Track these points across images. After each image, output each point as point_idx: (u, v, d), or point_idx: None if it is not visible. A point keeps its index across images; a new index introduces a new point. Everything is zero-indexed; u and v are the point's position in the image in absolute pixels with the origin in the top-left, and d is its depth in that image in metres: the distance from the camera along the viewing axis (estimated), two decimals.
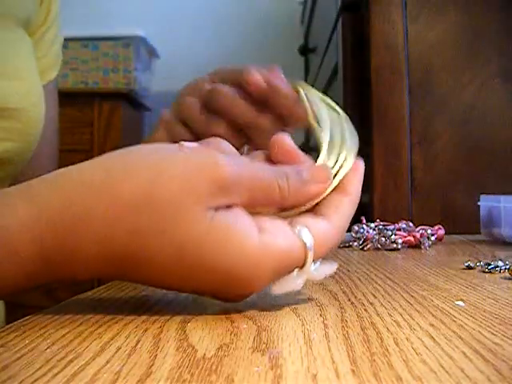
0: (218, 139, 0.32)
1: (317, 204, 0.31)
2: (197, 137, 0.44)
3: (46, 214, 0.27)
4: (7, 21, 0.50)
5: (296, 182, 0.30)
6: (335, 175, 0.32)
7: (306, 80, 2.14)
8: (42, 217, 0.27)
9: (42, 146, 0.60)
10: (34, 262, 0.28)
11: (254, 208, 0.29)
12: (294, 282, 0.30)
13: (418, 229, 0.64)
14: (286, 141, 0.32)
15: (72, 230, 0.27)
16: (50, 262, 0.28)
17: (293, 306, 0.31)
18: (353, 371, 0.20)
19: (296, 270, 0.29)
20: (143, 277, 0.29)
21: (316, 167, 0.32)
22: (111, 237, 0.27)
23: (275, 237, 0.28)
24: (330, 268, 0.31)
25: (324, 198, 0.31)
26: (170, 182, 0.27)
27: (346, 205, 0.31)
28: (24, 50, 0.52)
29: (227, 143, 0.32)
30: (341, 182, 0.32)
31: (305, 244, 0.29)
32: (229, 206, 0.28)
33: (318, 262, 0.30)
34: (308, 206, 0.31)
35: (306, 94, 0.39)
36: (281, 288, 0.30)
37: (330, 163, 0.33)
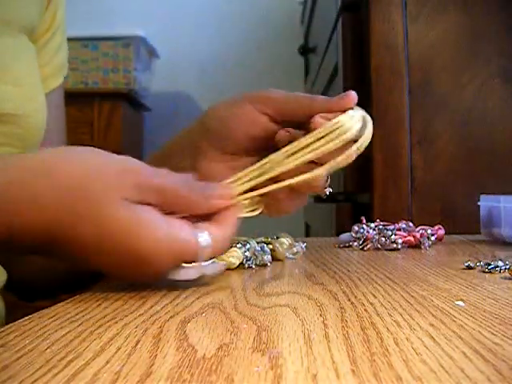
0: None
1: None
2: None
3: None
4: (10, 28, 0.49)
5: (200, 195, 0.37)
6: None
7: (305, 80, 2.14)
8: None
9: None
10: None
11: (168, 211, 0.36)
12: (188, 272, 0.37)
13: (417, 229, 0.64)
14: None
15: (14, 203, 0.33)
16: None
17: (293, 306, 0.31)
18: (353, 371, 0.20)
19: (192, 264, 0.36)
20: (68, 252, 0.35)
21: (221, 187, 0.40)
22: (48, 208, 0.33)
23: (179, 231, 0.35)
24: (220, 266, 0.40)
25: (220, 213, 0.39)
26: (100, 178, 0.34)
27: (233, 219, 0.39)
28: (26, 57, 0.52)
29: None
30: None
31: (199, 242, 0.36)
32: (146, 205, 0.35)
33: (211, 261, 0.38)
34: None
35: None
36: (177, 275, 0.36)
37: None
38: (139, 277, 0.37)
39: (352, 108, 0.41)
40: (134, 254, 0.34)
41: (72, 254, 0.35)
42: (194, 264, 0.36)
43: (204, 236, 0.36)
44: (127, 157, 0.37)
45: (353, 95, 0.42)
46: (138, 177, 0.35)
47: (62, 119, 0.64)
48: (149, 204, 0.35)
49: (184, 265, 0.36)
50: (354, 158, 0.40)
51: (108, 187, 0.34)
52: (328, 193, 0.44)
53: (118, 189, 0.34)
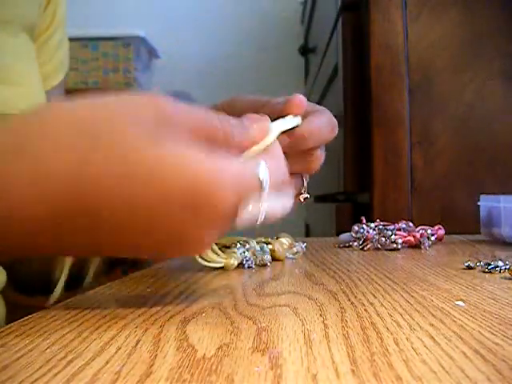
0: None
1: None
2: None
3: None
4: (11, 27, 0.49)
5: (237, 125, 0.31)
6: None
7: (305, 80, 2.14)
8: None
9: None
10: None
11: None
12: (254, 213, 0.30)
13: (417, 229, 0.64)
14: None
15: (12, 175, 0.26)
16: None
17: (293, 306, 0.31)
18: (353, 371, 0.20)
19: (252, 202, 0.30)
20: (89, 233, 0.28)
21: (256, 116, 0.33)
22: (56, 178, 0.26)
23: (228, 158, 0.28)
24: (288, 199, 0.33)
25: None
26: (113, 114, 0.27)
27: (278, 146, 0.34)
28: (26, 57, 0.52)
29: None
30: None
31: (258, 172, 0.29)
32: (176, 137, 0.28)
33: (277, 197, 0.32)
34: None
35: None
36: (243, 221, 0.30)
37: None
38: (204, 229, 0.28)
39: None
40: (185, 197, 0.26)
41: (85, 238, 0.28)
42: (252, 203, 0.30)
43: (262, 165, 0.30)
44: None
45: (297, 101, 0.40)
46: (158, 106, 0.28)
47: None
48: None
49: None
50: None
51: (125, 124, 0.27)
52: (303, 199, 0.43)
53: (139, 124, 0.27)
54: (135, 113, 0.27)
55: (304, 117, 0.41)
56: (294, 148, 0.39)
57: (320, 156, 0.44)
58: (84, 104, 0.28)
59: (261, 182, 0.29)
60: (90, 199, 0.26)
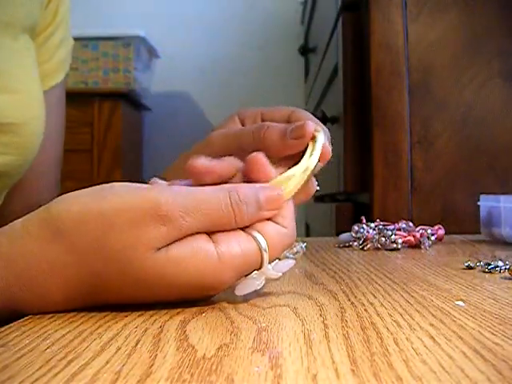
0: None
1: None
2: None
3: (10, 267, 0.29)
4: (11, 29, 0.48)
5: (253, 210, 0.32)
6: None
7: (305, 80, 2.14)
8: (7, 269, 0.29)
9: (47, 152, 0.59)
10: (1, 309, 0.30)
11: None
12: (254, 282, 0.32)
13: (417, 229, 0.64)
14: (260, 159, 0.34)
15: (36, 278, 0.30)
16: (16, 306, 0.30)
17: (293, 306, 0.31)
18: (353, 371, 0.20)
19: (255, 271, 0.32)
20: (108, 301, 0.31)
21: (271, 191, 0.33)
22: (74, 279, 0.30)
23: (231, 246, 0.30)
24: (287, 265, 0.34)
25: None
26: (119, 232, 0.29)
27: (289, 207, 0.34)
28: (25, 61, 0.51)
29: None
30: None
31: (260, 247, 0.31)
32: (181, 238, 0.30)
33: (275, 262, 0.33)
34: None
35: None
36: (243, 290, 0.32)
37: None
38: (198, 298, 0.33)
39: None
40: (190, 290, 0.31)
41: (105, 302, 0.31)
42: (257, 271, 0.32)
43: (260, 237, 0.31)
44: (140, 188, 0.31)
45: (308, 132, 0.36)
46: (162, 216, 0.29)
47: (62, 116, 0.63)
48: (185, 235, 0.30)
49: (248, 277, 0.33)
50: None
51: (128, 241, 0.29)
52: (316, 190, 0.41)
53: (141, 239, 0.29)
54: (136, 218, 0.29)
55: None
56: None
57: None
58: (91, 216, 0.29)
59: (262, 258, 0.31)
60: (102, 298, 0.31)
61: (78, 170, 1.87)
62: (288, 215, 0.34)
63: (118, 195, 0.30)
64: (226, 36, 2.36)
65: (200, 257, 0.30)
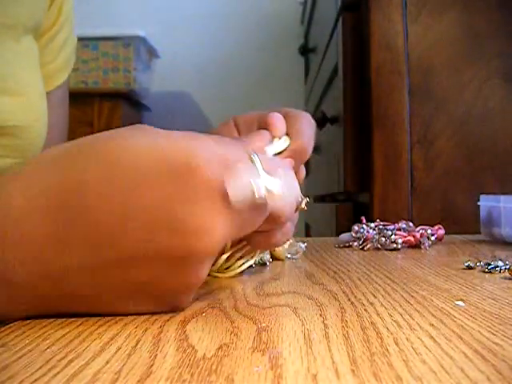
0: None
1: None
2: None
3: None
4: (13, 31, 0.48)
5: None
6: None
7: (305, 80, 2.14)
8: None
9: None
10: None
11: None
12: (251, 192, 0.28)
13: (417, 229, 0.64)
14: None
15: None
16: None
17: (293, 306, 0.31)
18: (353, 371, 0.20)
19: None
20: (87, 225, 0.27)
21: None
22: (40, 180, 0.27)
23: (214, 144, 0.28)
24: (292, 185, 0.32)
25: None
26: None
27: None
28: (28, 63, 0.51)
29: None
30: None
31: (247, 152, 0.29)
32: None
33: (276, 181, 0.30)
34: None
35: None
36: (239, 195, 0.28)
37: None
38: (204, 228, 0.26)
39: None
40: (173, 165, 0.26)
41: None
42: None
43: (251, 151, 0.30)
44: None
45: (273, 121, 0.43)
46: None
47: (65, 116, 0.62)
48: None
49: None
50: None
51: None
52: (305, 205, 0.41)
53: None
54: (116, 133, 0.29)
55: (288, 122, 0.43)
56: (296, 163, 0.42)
57: (303, 169, 0.46)
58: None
59: (252, 160, 0.29)
60: (75, 200, 0.27)
61: None
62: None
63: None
64: (226, 36, 2.37)
65: (178, 145, 0.27)
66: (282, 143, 0.41)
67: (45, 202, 0.27)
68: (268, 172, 0.30)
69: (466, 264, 0.45)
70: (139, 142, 0.27)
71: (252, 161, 0.29)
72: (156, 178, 0.26)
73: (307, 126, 0.43)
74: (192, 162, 0.26)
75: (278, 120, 0.42)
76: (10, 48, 0.48)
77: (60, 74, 0.59)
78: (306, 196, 0.37)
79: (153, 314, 0.30)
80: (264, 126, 0.43)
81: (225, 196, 0.27)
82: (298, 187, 0.34)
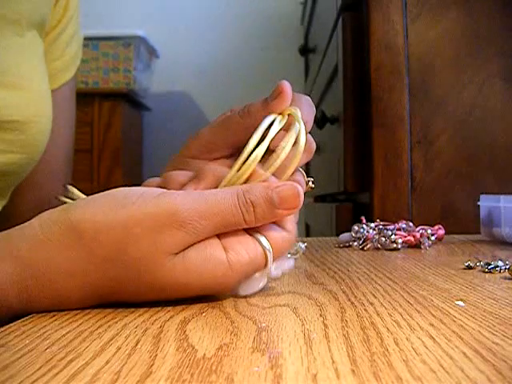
0: (176, 172, 0.37)
1: None
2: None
3: (30, 270, 0.30)
4: (17, 25, 0.48)
5: (264, 210, 0.32)
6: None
7: (305, 80, 2.14)
8: (26, 273, 0.30)
9: (57, 150, 0.59)
10: (17, 310, 0.31)
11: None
12: (257, 283, 0.34)
13: (418, 229, 0.64)
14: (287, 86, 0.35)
15: (55, 281, 0.30)
16: (35, 308, 0.31)
17: (293, 306, 0.31)
18: (353, 371, 0.20)
19: (258, 272, 0.34)
20: (124, 301, 0.32)
21: (288, 194, 0.33)
22: (92, 283, 0.31)
23: (240, 254, 0.32)
24: (288, 265, 0.36)
25: None
26: (138, 241, 0.30)
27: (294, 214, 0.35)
28: (33, 58, 0.50)
29: (185, 173, 0.37)
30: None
31: (265, 251, 0.33)
32: (196, 242, 0.31)
33: (276, 262, 0.35)
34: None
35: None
36: (247, 290, 0.34)
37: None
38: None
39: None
40: (202, 293, 0.33)
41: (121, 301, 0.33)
42: (261, 272, 0.34)
43: (265, 241, 0.33)
44: (156, 193, 0.31)
45: (285, 89, 0.35)
46: (179, 222, 0.30)
47: (72, 113, 0.62)
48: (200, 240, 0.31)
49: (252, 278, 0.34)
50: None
51: (148, 249, 0.30)
52: (311, 187, 0.40)
53: (161, 246, 0.30)
54: (154, 227, 0.30)
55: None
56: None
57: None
58: (113, 225, 0.30)
59: (266, 261, 0.33)
60: (116, 298, 0.32)
61: (78, 170, 1.87)
62: (291, 218, 0.35)
63: (137, 205, 0.31)
64: (226, 36, 2.37)
65: (213, 263, 0.31)
66: (276, 126, 0.36)
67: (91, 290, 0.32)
68: (278, 256, 0.34)
69: (466, 264, 0.45)
70: (185, 266, 0.31)
71: (267, 260, 0.33)
72: (194, 291, 0.33)
73: (309, 109, 0.38)
74: (223, 280, 0.32)
75: (288, 89, 0.36)
76: (14, 42, 0.47)
77: (66, 71, 0.59)
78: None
79: (153, 314, 0.30)
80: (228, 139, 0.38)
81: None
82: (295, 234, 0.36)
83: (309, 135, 0.37)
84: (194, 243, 0.31)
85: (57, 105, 0.54)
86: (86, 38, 1.98)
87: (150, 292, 0.32)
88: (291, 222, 0.35)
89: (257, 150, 0.34)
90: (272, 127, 0.35)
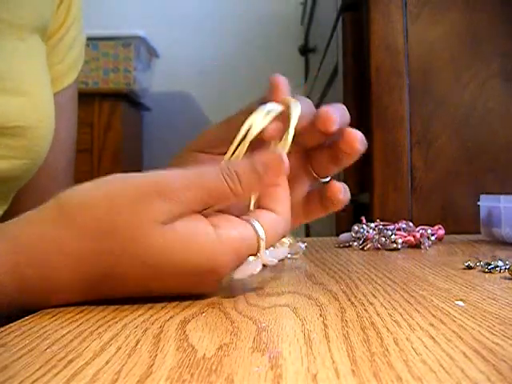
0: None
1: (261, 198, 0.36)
2: None
3: (21, 248, 0.31)
4: (18, 30, 0.47)
5: (249, 178, 0.33)
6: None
7: (305, 80, 2.14)
8: (18, 251, 0.31)
9: (59, 153, 0.59)
10: (11, 291, 0.31)
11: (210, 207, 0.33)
12: (251, 267, 0.33)
13: (418, 229, 0.64)
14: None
15: (46, 259, 0.31)
16: (28, 290, 0.31)
17: (293, 306, 0.31)
18: (353, 371, 0.20)
19: (252, 256, 0.33)
20: (117, 290, 0.32)
21: (271, 160, 0.34)
22: (81, 259, 0.31)
23: (229, 230, 0.32)
24: (282, 252, 0.37)
25: (267, 193, 0.35)
26: (122, 211, 0.30)
27: (284, 192, 0.35)
28: (34, 62, 0.50)
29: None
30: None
31: (257, 233, 0.33)
32: (183, 214, 0.31)
33: (271, 249, 0.35)
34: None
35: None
36: (241, 273, 0.33)
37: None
38: (203, 288, 0.34)
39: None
40: (193, 270, 0.31)
41: (114, 293, 0.32)
42: (254, 257, 0.33)
43: (258, 225, 0.33)
44: (141, 174, 0.32)
45: (278, 80, 0.38)
46: (158, 188, 0.31)
47: (74, 117, 0.62)
48: (185, 213, 0.31)
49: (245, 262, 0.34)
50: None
51: (133, 218, 0.30)
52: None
53: (146, 215, 0.30)
54: (141, 203, 0.31)
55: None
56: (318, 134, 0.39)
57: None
58: (97, 199, 0.31)
59: (259, 244, 0.33)
60: (109, 277, 0.31)
61: (78, 170, 1.86)
62: (283, 200, 0.35)
63: (121, 179, 0.32)
64: (226, 36, 2.36)
65: (201, 236, 0.31)
66: (275, 110, 0.37)
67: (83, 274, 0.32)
68: (271, 240, 0.34)
69: (466, 264, 0.45)
70: (174, 239, 0.31)
71: (259, 242, 0.33)
72: (185, 269, 0.31)
73: (307, 104, 0.39)
74: (212, 256, 0.31)
75: (281, 80, 0.38)
76: (16, 47, 0.47)
77: (68, 75, 0.59)
78: None
79: (153, 314, 0.30)
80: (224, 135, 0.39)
81: (230, 273, 0.33)
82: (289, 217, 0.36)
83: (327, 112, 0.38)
84: (183, 216, 0.31)
85: (59, 107, 0.54)
86: (86, 38, 1.98)
87: (140, 269, 0.31)
88: (283, 204, 0.35)
89: (248, 135, 0.36)
90: (258, 116, 0.36)
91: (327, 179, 0.43)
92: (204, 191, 0.32)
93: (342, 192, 0.41)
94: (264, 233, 0.33)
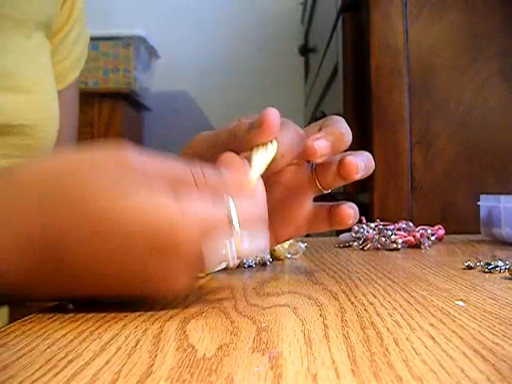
0: None
1: None
2: None
3: None
4: (24, 27, 0.47)
5: (212, 177, 0.31)
6: None
7: (305, 80, 2.14)
8: None
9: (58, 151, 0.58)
10: None
11: None
12: (225, 254, 0.30)
13: (418, 229, 0.64)
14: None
15: None
16: None
17: (293, 306, 0.31)
18: (353, 371, 0.20)
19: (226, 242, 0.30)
20: (64, 277, 0.30)
21: (231, 160, 0.33)
22: (28, 231, 0.29)
23: (194, 202, 0.29)
24: (261, 240, 0.31)
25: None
26: (76, 173, 0.29)
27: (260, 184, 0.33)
28: (39, 60, 0.50)
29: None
30: None
31: (227, 210, 0.29)
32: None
33: (249, 236, 0.30)
34: None
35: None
36: (213, 257, 0.30)
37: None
38: (170, 280, 0.30)
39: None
40: (152, 244, 0.28)
41: (61, 280, 0.30)
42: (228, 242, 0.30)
43: (230, 202, 0.30)
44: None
45: (267, 118, 0.35)
46: (123, 159, 0.30)
47: (76, 114, 0.62)
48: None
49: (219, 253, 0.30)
50: None
51: (85, 182, 0.29)
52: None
53: (100, 185, 0.29)
54: (99, 167, 0.29)
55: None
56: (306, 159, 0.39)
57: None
58: (51, 161, 0.31)
59: (230, 221, 0.29)
60: (56, 248, 0.29)
61: None
62: (255, 190, 0.32)
63: (84, 151, 0.30)
64: (226, 36, 2.36)
65: (162, 206, 0.28)
66: (270, 151, 0.35)
67: (27, 242, 0.29)
68: (244, 222, 0.30)
69: (466, 264, 0.45)
70: (127, 206, 0.28)
71: (230, 219, 0.29)
72: (140, 244, 0.28)
73: (293, 136, 0.38)
74: (173, 229, 0.28)
75: (272, 118, 0.35)
76: (20, 44, 0.47)
77: (73, 71, 0.59)
78: None
79: (153, 313, 0.30)
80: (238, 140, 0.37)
81: (200, 261, 0.29)
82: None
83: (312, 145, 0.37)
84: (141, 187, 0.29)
85: (62, 105, 0.54)
86: None
87: (90, 243, 0.28)
88: (255, 191, 0.32)
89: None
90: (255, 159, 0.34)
91: (329, 191, 0.42)
92: (169, 172, 0.30)
93: (352, 218, 0.41)
94: (236, 213, 0.30)
